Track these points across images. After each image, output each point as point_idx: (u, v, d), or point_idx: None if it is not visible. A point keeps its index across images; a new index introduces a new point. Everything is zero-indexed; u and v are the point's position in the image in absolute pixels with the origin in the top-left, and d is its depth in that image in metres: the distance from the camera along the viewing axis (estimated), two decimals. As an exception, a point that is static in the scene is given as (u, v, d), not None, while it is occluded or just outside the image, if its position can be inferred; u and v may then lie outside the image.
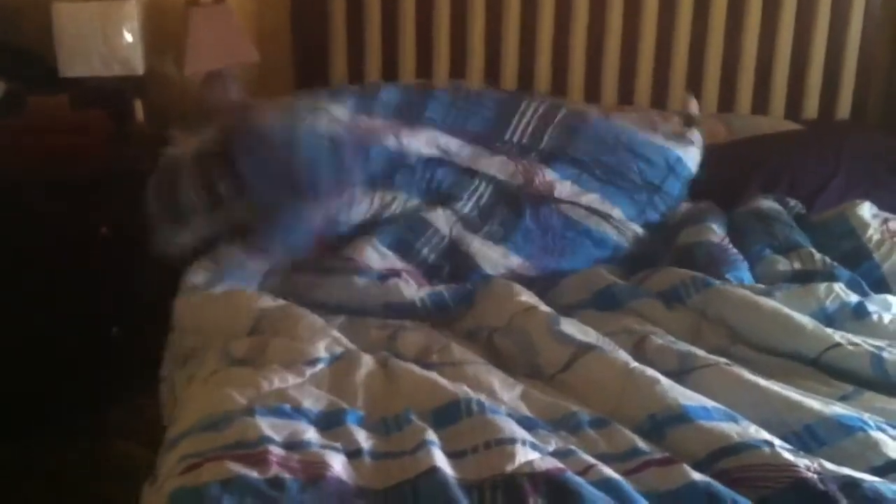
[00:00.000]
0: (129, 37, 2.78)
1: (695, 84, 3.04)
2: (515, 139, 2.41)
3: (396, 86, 2.47)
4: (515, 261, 2.21)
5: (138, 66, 2.82)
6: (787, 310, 1.92)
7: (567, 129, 2.38)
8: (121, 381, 2.22)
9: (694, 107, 2.67)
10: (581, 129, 2.42)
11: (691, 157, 2.46)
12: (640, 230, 2.37)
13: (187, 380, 1.85)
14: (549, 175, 2.32)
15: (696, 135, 2.54)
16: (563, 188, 2.34)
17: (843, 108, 3.09)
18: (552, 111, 2.45)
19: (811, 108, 3.09)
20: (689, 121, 2.65)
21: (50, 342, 2.74)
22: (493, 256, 2.20)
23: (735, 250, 2.23)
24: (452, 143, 2.34)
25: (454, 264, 2.24)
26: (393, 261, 2.20)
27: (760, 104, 3.08)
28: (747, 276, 2.16)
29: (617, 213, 2.34)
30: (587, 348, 1.81)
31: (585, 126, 2.40)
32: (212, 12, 2.86)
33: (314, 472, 1.46)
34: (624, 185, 2.38)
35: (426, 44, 3.01)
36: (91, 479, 2.57)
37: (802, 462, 1.46)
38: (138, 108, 2.88)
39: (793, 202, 2.50)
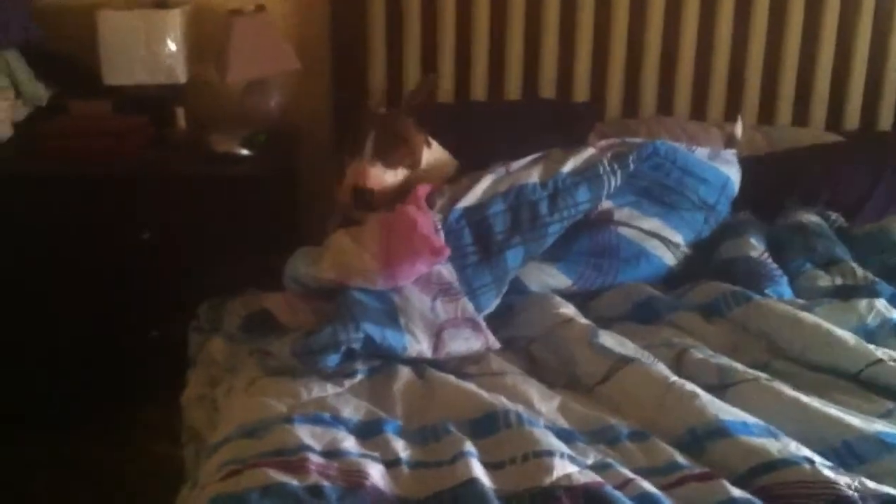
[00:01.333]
0: (172, 45, 2.81)
1: (735, 95, 3.03)
2: None
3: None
4: (564, 281, 2.18)
5: (181, 74, 2.85)
6: (828, 324, 1.90)
7: (623, 157, 2.31)
8: (158, 382, 2.25)
9: (739, 130, 2.65)
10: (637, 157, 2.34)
11: (735, 177, 2.44)
12: (689, 251, 2.34)
13: (226, 391, 1.87)
14: (605, 204, 2.27)
15: (734, 156, 2.52)
16: (622, 214, 2.29)
17: (885, 120, 3.06)
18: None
19: (852, 119, 3.06)
20: (730, 142, 2.63)
21: (90, 342, 2.79)
22: (541, 276, 2.17)
23: (775, 266, 2.21)
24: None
25: None
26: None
27: (801, 115, 3.05)
28: (787, 292, 2.15)
29: (678, 238, 2.30)
30: (626, 361, 1.81)
31: (642, 152, 2.34)
32: (253, 21, 2.88)
33: (353, 481, 1.48)
34: (683, 206, 2.33)
35: (465, 52, 3.02)
36: (125, 475, 2.61)
37: (843, 479, 1.45)
38: (180, 115, 2.91)
39: (834, 215, 2.48)
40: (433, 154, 2.41)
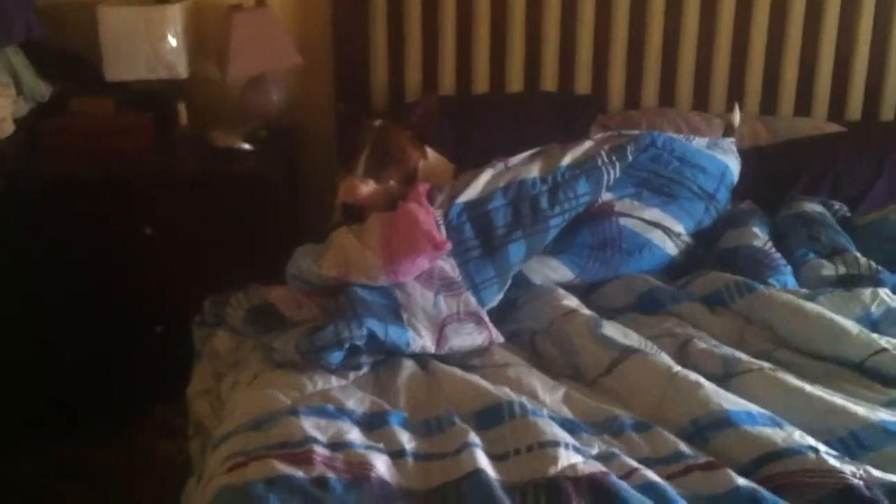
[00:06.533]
0: (172, 41, 2.81)
1: (737, 86, 3.03)
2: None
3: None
4: (568, 274, 2.18)
5: (182, 70, 2.85)
6: (831, 314, 1.90)
7: (621, 149, 2.30)
8: (164, 379, 2.26)
9: (737, 118, 2.65)
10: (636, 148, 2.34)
11: (734, 165, 2.44)
12: (690, 240, 2.34)
13: (231, 385, 1.87)
14: (605, 196, 2.28)
15: (733, 144, 2.52)
16: (623, 205, 2.29)
17: (887, 110, 3.05)
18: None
19: (854, 109, 3.05)
20: (729, 130, 2.63)
21: (93, 340, 2.79)
22: (544, 270, 2.17)
23: (778, 255, 2.21)
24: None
25: None
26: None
27: (803, 106, 3.05)
28: (791, 281, 2.15)
29: (679, 228, 2.31)
30: (630, 352, 1.81)
31: (639, 143, 2.33)
32: (254, 16, 2.88)
33: (358, 473, 1.48)
34: (683, 195, 2.34)
35: (466, 48, 3.01)
36: (132, 476, 2.61)
37: (848, 468, 1.45)
38: (182, 111, 2.91)
39: (837, 205, 2.48)
40: (430, 164, 2.41)
